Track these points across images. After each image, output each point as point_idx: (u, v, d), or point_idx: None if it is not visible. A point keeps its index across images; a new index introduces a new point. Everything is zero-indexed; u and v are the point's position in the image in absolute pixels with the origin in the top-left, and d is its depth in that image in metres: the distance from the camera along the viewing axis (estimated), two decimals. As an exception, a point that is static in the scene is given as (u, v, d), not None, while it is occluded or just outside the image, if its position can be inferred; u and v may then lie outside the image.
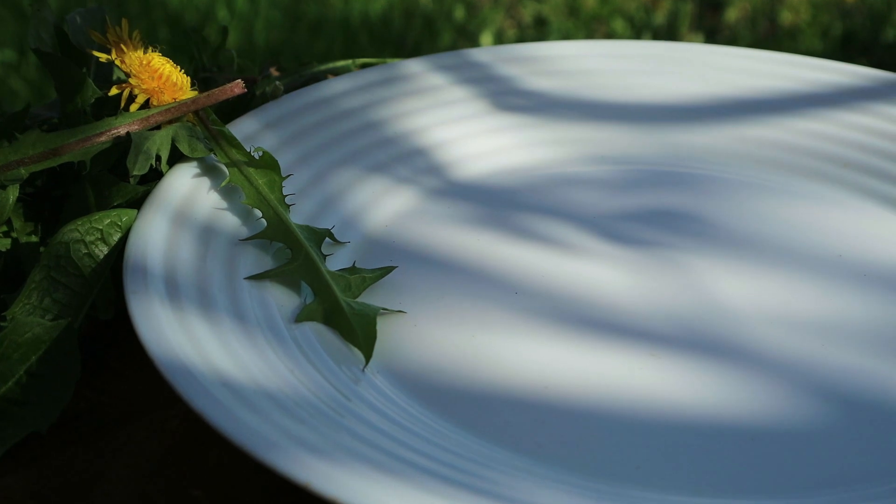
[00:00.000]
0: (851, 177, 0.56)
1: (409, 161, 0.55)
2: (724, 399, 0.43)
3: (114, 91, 0.49)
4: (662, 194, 0.54)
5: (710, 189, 0.56)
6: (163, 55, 0.50)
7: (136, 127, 0.47)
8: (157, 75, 0.49)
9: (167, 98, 0.49)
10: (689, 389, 0.43)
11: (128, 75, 0.49)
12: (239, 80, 0.49)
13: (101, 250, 0.45)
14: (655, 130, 0.59)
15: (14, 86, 1.49)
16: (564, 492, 0.38)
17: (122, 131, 0.47)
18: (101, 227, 0.45)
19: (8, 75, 1.50)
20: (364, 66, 0.62)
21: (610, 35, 1.82)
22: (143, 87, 0.49)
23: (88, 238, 0.45)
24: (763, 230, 0.53)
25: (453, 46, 1.73)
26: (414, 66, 0.59)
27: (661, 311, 0.47)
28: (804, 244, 0.51)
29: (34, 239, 0.47)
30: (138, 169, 0.46)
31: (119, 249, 0.45)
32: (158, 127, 0.49)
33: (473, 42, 1.75)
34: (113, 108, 0.49)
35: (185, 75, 0.50)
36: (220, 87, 0.49)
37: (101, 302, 0.45)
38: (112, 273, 0.45)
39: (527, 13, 1.84)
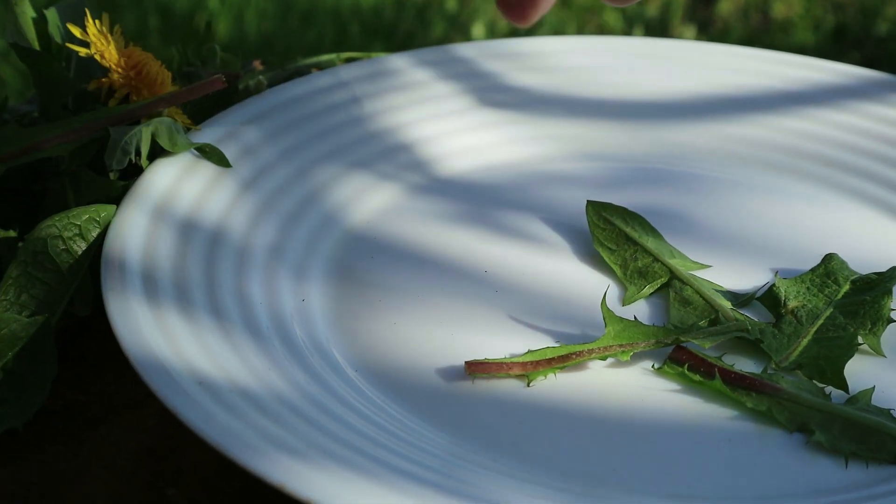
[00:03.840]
0: (836, 176, 0.56)
1: (392, 157, 0.55)
2: (702, 400, 0.43)
3: (93, 86, 0.48)
4: (647, 192, 0.54)
5: (695, 187, 0.56)
6: (150, 46, 0.50)
7: (115, 122, 0.47)
8: (138, 70, 0.49)
9: (147, 93, 0.49)
10: (667, 391, 0.43)
11: (108, 70, 0.49)
12: (219, 76, 0.49)
13: (80, 246, 0.45)
14: (641, 128, 0.59)
15: (2, 73, 1.49)
16: (541, 494, 0.38)
17: (101, 126, 0.47)
18: (79, 223, 0.45)
19: (-3, 63, 1.49)
20: (349, 60, 0.62)
21: (602, 26, 1.82)
22: (123, 81, 0.48)
23: (66, 234, 0.45)
24: (747, 229, 0.52)
25: (445, 37, 1.73)
26: (398, 62, 0.59)
27: (644, 312, 0.47)
28: (788, 243, 0.51)
29: (12, 234, 0.47)
30: (116, 164, 0.46)
31: (97, 245, 0.45)
32: (139, 121, 0.48)
33: (465, 33, 1.74)
34: (92, 103, 0.49)
35: (166, 70, 0.50)
36: (201, 83, 0.49)
37: (78, 298, 0.45)
38: (90, 269, 0.45)
39: (519, 4, 1.83)
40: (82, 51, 0.49)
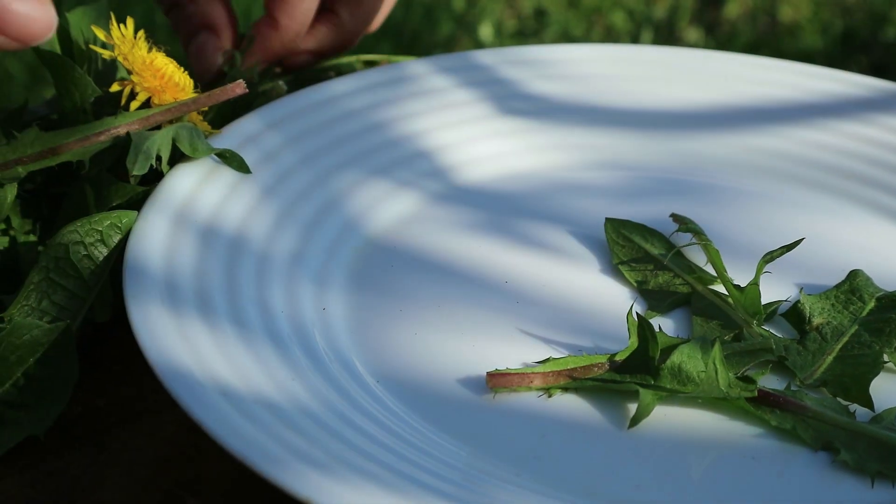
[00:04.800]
0: (858, 189, 0.56)
1: (411, 164, 0.55)
2: (726, 417, 0.42)
3: (115, 87, 0.48)
4: (665, 202, 0.54)
5: (713, 198, 0.56)
6: (167, 54, 0.50)
7: (136, 126, 0.47)
8: (160, 74, 0.48)
9: (168, 97, 0.49)
10: (691, 407, 0.43)
11: (130, 73, 0.49)
12: (240, 81, 0.49)
13: (101, 252, 0.45)
14: (659, 137, 0.59)
15: (11, 68, 1.48)
16: (565, 510, 0.38)
17: (122, 131, 0.47)
18: (100, 229, 0.45)
19: (5, 57, 1.49)
20: (369, 63, 0.62)
21: (609, 27, 1.81)
22: (145, 85, 0.48)
23: (88, 240, 0.44)
24: (765, 241, 0.52)
25: (452, 37, 1.73)
26: (417, 68, 0.59)
27: (668, 327, 0.47)
28: (811, 258, 0.51)
29: (32, 238, 0.47)
30: (138, 169, 0.46)
31: (118, 251, 0.45)
32: (159, 127, 0.48)
33: (472, 33, 1.74)
34: (113, 106, 0.48)
35: (188, 76, 0.50)
36: (221, 88, 0.48)
37: (98, 304, 0.45)
38: (111, 275, 0.45)
39: (526, 4, 1.84)
40: (106, 53, 0.49)
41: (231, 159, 0.49)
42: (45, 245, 0.44)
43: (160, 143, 0.47)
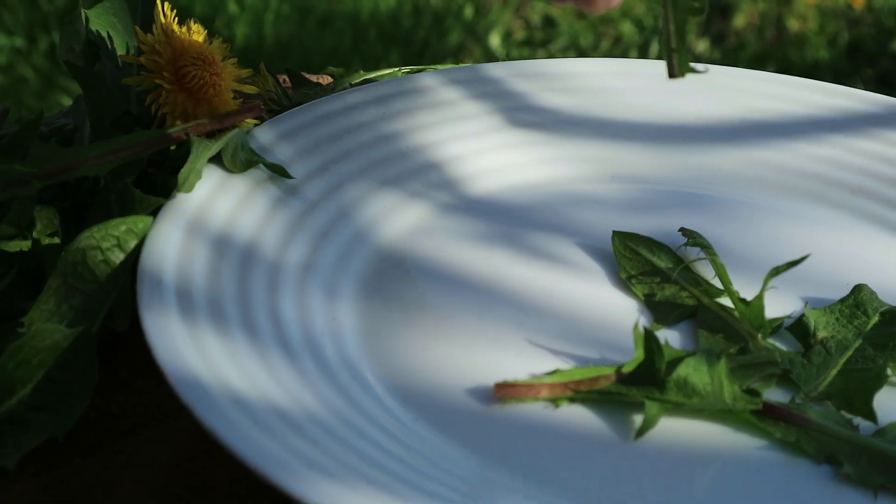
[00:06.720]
0: (860, 204, 0.56)
1: (421, 175, 0.55)
2: (731, 430, 0.43)
3: (149, 99, 0.48)
4: (672, 216, 0.55)
5: (719, 211, 0.56)
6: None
7: (150, 146, 0.47)
8: (194, 83, 0.49)
9: (202, 107, 0.49)
10: (696, 420, 0.43)
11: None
12: (257, 103, 0.50)
13: (118, 256, 0.45)
14: (667, 151, 0.59)
15: (23, 73, 1.49)
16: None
17: (137, 149, 0.47)
18: (117, 234, 0.45)
19: (17, 62, 1.50)
20: (411, 73, 0.62)
21: (618, 37, 1.82)
22: (174, 98, 0.48)
23: (104, 244, 0.45)
24: (771, 254, 0.52)
25: (462, 45, 1.73)
26: (428, 80, 0.59)
27: (674, 340, 0.47)
28: (816, 271, 0.51)
29: (56, 241, 0.47)
30: (186, 189, 0.46)
31: (135, 255, 0.45)
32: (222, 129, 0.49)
33: (482, 42, 1.75)
34: (129, 123, 0.49)
35: (226, 83, 0.50)
36: (237, 110, 0.49)
37: (118, 308, 0.45)
38: (129, 281, 0.45)
39: (535, 14, 1.84)
40: (143, 80, 0.49)
41: (272, 168, 0.50)
42: (64, 250, 0.45)
43: (212, 152, 0.48)
